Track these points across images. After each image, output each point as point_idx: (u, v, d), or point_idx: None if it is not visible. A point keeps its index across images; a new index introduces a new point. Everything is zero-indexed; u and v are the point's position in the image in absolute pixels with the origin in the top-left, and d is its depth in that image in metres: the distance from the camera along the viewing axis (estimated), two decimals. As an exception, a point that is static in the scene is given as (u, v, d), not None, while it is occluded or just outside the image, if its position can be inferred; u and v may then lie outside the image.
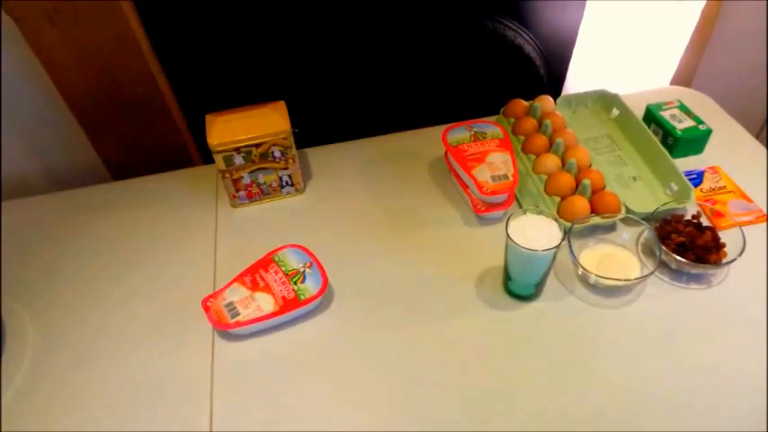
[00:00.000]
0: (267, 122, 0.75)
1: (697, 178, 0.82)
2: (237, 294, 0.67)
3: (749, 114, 1.19)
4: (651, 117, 0.89)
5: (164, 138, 0.91)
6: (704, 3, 1.00)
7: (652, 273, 0.66)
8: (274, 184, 0.82)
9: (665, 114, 0.87)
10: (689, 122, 0.85)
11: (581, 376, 0.61)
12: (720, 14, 1.03)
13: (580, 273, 0.69)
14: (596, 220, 0.72)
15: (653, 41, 1.05)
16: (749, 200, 0.79)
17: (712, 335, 0.64)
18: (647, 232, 0.72)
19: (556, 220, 0.63)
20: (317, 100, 0.93)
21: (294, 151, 0.79)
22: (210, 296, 0.67)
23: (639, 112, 0.89)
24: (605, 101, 0.95)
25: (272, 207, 0.83)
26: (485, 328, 0.66)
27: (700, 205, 0.76)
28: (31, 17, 0.72)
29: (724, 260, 0.68)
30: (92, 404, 0.61)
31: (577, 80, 1.06)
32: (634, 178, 0.82)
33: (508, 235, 0.61)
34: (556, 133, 0.83)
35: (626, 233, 0.73)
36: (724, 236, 0.70)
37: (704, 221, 0.72)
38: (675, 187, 0.78)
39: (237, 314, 0.64)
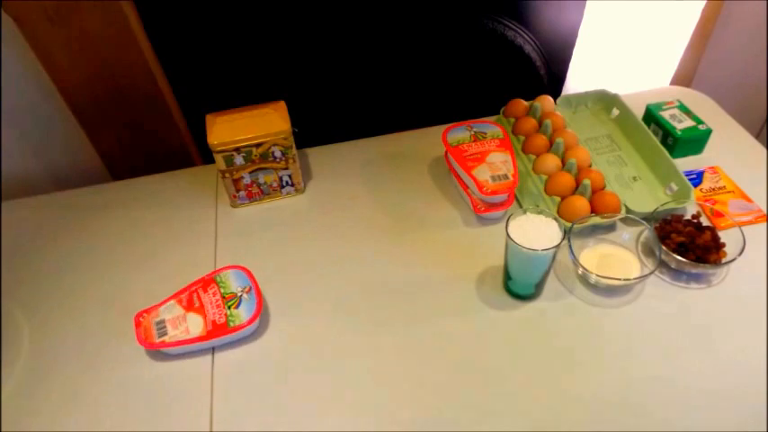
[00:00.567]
0: (267, 122, 0.75)
1: (697, 178, 0.82)
2: (171, 312, 0.65)
3: (749, 114, 1.20)
4: (651, 117, 0.89)
5: (164, 138, 0.91)
6: (704, 3, 1.00)
7: (652, 272, 0.66)
8: (274, 184, 0.82)
9: (665, 114, 0.87)
10: (689, 122, 0.85)
11: (581, 376, 0.61)
12: (720, 14, 1.03)
13: (580, 272, 0.70)
14: (596, 219, 0.72)
15: (653, 41, 1.05)
16: (749, 200, 0.79)
17: (712, 335, 0.64)
18: (647, 232, 0.72)
19: (556, 219, 0.63)
20: (317, 100, 0.93)
21: (294, 151, 0.79)
22: (145, 311, 0.65)
23: (639, 112, 0.90)
24: (605, 101, 0.95)
25: (272, 207, 0.83)
26: (485, 328, 0.66)
27: (699, 205, 0.76)
28: (31, 17, 0.72)
29: (724, 260, 0.68)
30: (91, 404, 0.61)
31: (577, 80, 1.06)
32: (634, 178, 0.82)
33: (508, 235, 0.61)
34: (556, 133, 0.83)
35: (626, 233, 0.73)
36: (724, 236, 0.70)
37: (704, 221, 0.73)
38: (675, 187, 0.78)
39: (165, 334, 0.63)
